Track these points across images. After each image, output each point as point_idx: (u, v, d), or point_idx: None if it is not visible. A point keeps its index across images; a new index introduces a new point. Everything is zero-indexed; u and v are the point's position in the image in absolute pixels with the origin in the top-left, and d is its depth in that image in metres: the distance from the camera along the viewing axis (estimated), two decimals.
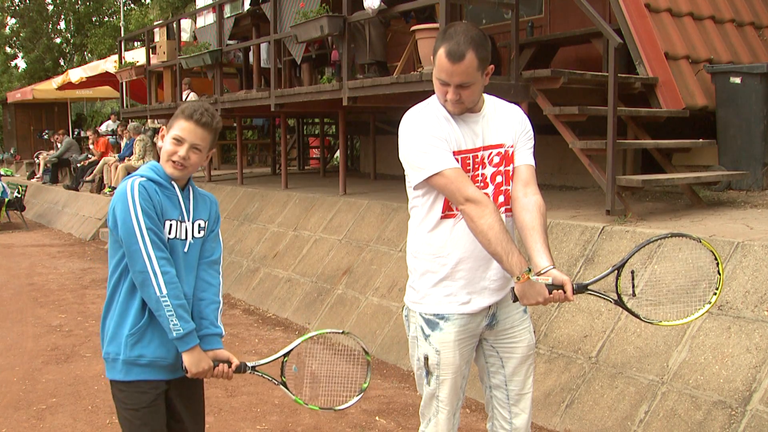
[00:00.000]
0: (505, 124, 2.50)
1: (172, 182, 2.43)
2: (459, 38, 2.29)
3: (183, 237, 2.43)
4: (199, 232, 2.47)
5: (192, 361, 2.35)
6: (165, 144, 2.42)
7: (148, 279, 2.27)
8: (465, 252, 2.41)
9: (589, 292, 2.38)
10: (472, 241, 2.38)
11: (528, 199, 2.44)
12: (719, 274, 2.48)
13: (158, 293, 2.27)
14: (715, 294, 2.49)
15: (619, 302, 2.45)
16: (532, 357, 2.57)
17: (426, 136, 2.37)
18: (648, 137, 5.99)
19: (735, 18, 7.02)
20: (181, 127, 2.40)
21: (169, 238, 2.38)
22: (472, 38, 2.30)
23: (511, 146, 2.49)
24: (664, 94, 5.97)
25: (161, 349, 2.39)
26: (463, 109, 2.40)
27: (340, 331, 2.52)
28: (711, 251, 2.47)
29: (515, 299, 2.34)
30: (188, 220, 2.44)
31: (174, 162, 2.39)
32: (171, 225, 2.39)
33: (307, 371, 2.47)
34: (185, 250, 2.43)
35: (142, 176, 2.38)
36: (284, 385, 2.46)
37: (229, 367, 2.43)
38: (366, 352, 2.51)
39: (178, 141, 2.39)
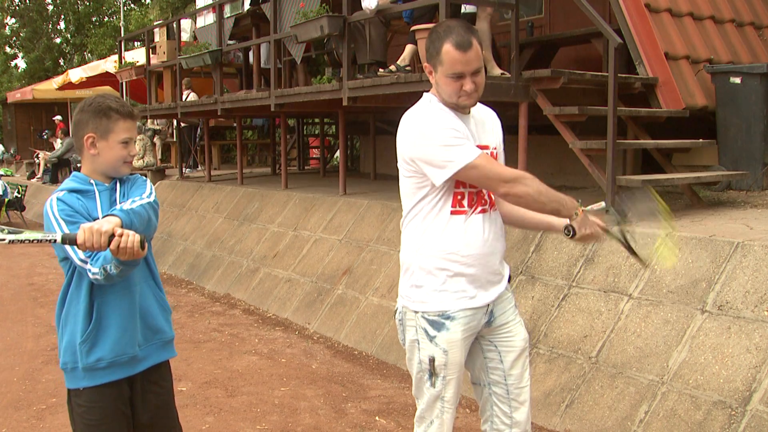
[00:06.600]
0: (492, 127, 2.60)
1: (91, 182, 2.40)
2: (459, 30, 2.36)
3: None
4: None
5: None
6: (110, 150, 2.36)
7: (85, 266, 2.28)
8: (476, 248, 2.46)
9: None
10: (482, 237, 2.46)
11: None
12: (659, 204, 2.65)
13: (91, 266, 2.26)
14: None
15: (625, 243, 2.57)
16: (527, 350, 2.64)
17: (446, 129, 2.36)
18: (648, 137, 5.99)
19: (735, 18, 7.02)
20: (126, 127, 2.38)
21: None
22: (469, 27, 2.40)
23: (495, 148, 2.58)
24: (664, 94, 5.97)
25: (117, 347, 2.40)
26: (477, 99, 2.45)
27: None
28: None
29: (573, 235, 2.42)
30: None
31: (130, 163, 2.42)
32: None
33: None
34: None
35: (61, 190, 2.36)
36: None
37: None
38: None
39: (126, 143, 2.39)
